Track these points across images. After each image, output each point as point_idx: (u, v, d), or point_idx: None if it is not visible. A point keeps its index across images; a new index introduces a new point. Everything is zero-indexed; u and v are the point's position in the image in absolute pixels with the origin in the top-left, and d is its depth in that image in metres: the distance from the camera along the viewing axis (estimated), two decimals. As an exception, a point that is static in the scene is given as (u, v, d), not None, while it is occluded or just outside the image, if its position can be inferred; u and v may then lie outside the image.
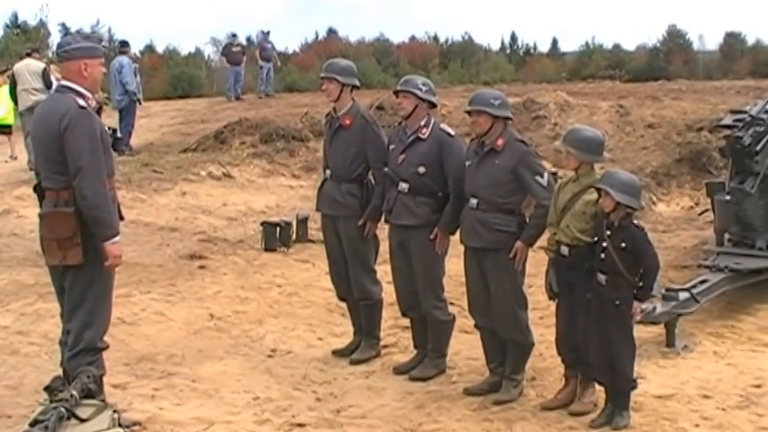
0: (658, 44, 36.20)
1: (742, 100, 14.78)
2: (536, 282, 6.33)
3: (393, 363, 6.29)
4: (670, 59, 33.79)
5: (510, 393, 5.62)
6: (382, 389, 5.87)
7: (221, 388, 5.79)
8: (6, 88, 14.78)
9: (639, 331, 5.84)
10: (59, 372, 4.84)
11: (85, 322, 4.77)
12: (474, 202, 5.56)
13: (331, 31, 39.08)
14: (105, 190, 4.70)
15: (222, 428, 5.17)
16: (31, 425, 4.04)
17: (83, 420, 4.11)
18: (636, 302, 5.18)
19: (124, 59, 15.57)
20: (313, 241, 9.53)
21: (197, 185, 12.31)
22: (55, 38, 28.95)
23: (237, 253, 9.29)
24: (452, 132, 6.00)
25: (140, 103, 16.24)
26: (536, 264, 5.98)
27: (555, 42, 40.03)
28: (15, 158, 14.65)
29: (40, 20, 29.70)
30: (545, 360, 6.17)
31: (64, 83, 4.82)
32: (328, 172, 6.35)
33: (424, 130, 5.89)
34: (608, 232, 5.14)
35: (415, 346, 6.28)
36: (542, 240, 5.58)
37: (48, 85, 12.98)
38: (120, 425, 4.32)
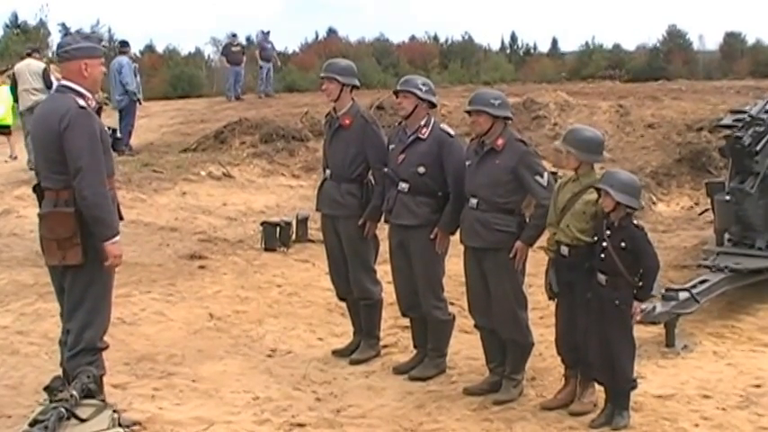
0: (658, 44, 36.22)
1: (742, 100, 14.77)
2: (536, 282, 6.33)
3: (393, 363, 6.29)
4: (670, 59, 33.80)
5: (510, 393, 5.62)
6: (382, 389, 5.87)
7: (221, 388, 5.79)
8: (6, 88, 14.80)
9: (639, 331, 5.83)
10: (59, 372, 4.84)
11: (85, 322, 4.77)
12: (474, 201, 5.56)
13: (331, 31, 39.13)
14: (105, 190, 4.70)
15: (222, 428, 5.17)
16: (31, 425, 4.03)
17: (82, 420, 4.11)
18: (636, 302, 5.18)
19: (124, 59, 15.57)
20: (313, 241, 9.53)
21: (197, 185, 12.31)
22: (55, 38, 29.00)
23: (237, 253, 9.28)
24: (452, 132, 6.00)
25: (140, 103, 16.24)
26: (536, 264, 5.98)
27: (555, 42, 40.10)
28: (15, 158, 14.66)
29: (40, 20, 29.75)
30: (545, 360, 6.17)
31: (64, 83, 4.82)
32: (328, 172, 6.35)
33: (424, 130, 5.89)
34: (608, 232, 5.14)
35: (415, 346, 6.28)
36: (542, 240, 5.58)
37: (48, 85, 13.00)
38: (119, 425, 4.32)
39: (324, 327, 7.21)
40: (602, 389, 5.36)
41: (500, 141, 5.50)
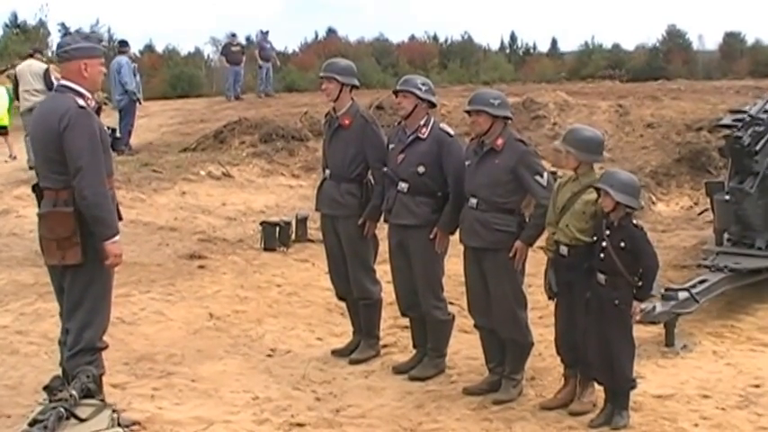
0: (658, 44, 36.30)
1: (741, 100, 14.78)
2: (535, 281, 6.32)
3: (392, 362, 6.29)
4: (669, 59, 33.84)
5: (509, 393, 5.62)
6: (382, 388, 5.87)
7: (221, 387, 5.79)
8: (2, 89, 14.81)
9: (639, 331, 5.83)
10: (59, 371, 4.84)
11: (85, 322, 4.77)
12: (473, 201, 5.56)
13: (330, 31, 39.22)
14: (105, 189, 4.70)
15: (221, 428, 5.17)
16: (31, 424, 4.03)
17: (82, 420, 4.10)
18: (635, 302, 5.18)
19: (123, 59, 15.57)
20: (312, 241, 9.53)
21: (196, 185, 12.31)
22: (54, 38, 29.01)
23: (237, 252, 9.28)
24: (452, 132, 6.00)
25: (140, 103, 16.24)
26: (535, 263, 5.98)
27: (554, 42, 40.20)
28: (15, 158, 14.65)
29: (40, 20, 29.75)
30: (544, 360, 6.17)
31: (63, 83, 4.82)
32: (328, 171, 6.35)
33: (424, 130, 5.89)
34: (607, 232, 5.14)
35: (415, 346, 6.28)
36: (541, 240, 5.58)
37: (49, 86, 12.99)
38: (119, 424, 4.31)
39: (323, 326, 7.21)
40: (601, 388, 5.36)
41: (500, 141, 5.50)
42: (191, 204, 11.53)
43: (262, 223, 9.78)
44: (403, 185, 5.89)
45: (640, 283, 5.15)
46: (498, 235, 5.48)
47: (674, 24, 38.70)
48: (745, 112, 8.70)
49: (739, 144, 8.07)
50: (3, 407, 5.34)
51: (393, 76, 27.13)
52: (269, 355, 6.51)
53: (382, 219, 6.17)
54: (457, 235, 5.80)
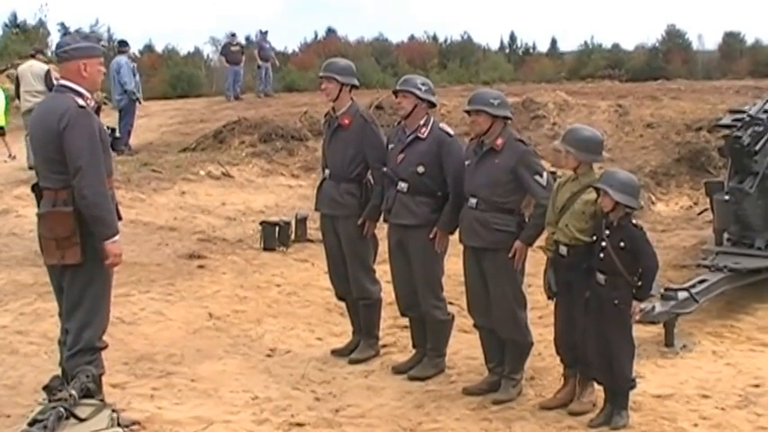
0: (657, 44, 36.31)
1: (741, 99, 14.78)
2: (535, 281, 6.32)
3: (392, 362, 6.29)
4: (669, 59, 33.85)
5: (509, 393, 5.62)
6: (381, 388, 5.87)
7: (220, 387, 5.79)
8: None
9: (638, 331, 5.83)
10: (58, 371, 4.84)
11: (84, 322, 4.77)
12: (473, 201, 5.56)
13: (330, 31, 39.22)
14: (105, 189, 4.70)
15: (221, 428, 5.17)
16: (30, 424, 4.03)
17: (81, 420, 4.10)
18: (635, 302, 5.18)
19: (122, 59, 15.57)
20: (312, 241, 9.53)
21: (196, 185, 12.31)
22: (54, 37, 29.01)
23: (236, 252, 9.29)
24: (451, 132, 6.00)
25: (140, 103, 16.25)
26: (535, 263, 5.98)
27: (554, 42, 40.20)
28: (14, 158, 14.66)
29: (40, 19, 29.76)
30: (544, 359, 6.17)
31: (63, 82, 4.82)
32: (327, 171, 6.35)
33: (424, 130, 5.89)
34: (607, 232, 5.14)
35: (414, 346, 6.28)
36: (541, 240, 5.58)
37: (50, 87, 12.99)
38: (118, 424, 4.31)
39: (323, 326, 7.21)
40: (601, 388, 5.36)
41: (499, 141, 5.50)
42: (190, 204, 11.53)
43: (261, 223, 9.79)
44: (402, 185, 5.89)
45: (640, 283, 5.15)
46: (498, 235, 5.48)
47: (674, 24, 38.78)
48: (744, 111, 8.70)
49: (739, 144, 8.07)
50: (2, 407, 5.34)
51: (393, 75, 27.14)
52: (268, 355, 6.51)
53: (382, 218, 6.17)
54: (456, 235, 5.80)
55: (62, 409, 4.06)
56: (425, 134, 5.88)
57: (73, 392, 4.22)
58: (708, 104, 15.91)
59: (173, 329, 6.94)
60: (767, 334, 6.95)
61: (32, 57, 14.42)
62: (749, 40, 36.41)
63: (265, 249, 9.41)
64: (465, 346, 6.43)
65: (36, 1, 47.87)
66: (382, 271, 6.47)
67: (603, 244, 5.13)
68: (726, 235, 8.20)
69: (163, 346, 6.56)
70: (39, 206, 4.85)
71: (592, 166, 5.39)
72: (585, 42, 37.01)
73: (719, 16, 66.66)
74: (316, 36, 39.17)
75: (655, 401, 5.55)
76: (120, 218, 4.95)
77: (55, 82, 5.29)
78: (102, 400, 4.47)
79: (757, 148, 8.02)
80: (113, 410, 4.37)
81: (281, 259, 9.21)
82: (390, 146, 6.06)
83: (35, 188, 4.91)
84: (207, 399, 5.61)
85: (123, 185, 11.08)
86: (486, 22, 63.02)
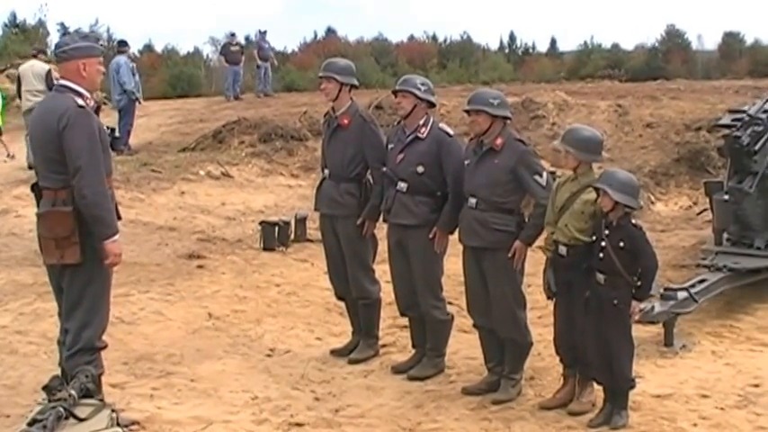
0: (657, 44, 36.32)
1: (740, 99, 14.77)
2: (535, 281, 6.32)
3: (391, 362, 6.29)
4: (669, 59, 33.85)
5: (508, 393, 5.62)
6: (381, 388, 5.87)
7: (220, 387, 5.79)
8: None
9: (638, 331, 5.84)
10: (58, 371, 4.83)
11: (84, 322, 4.77)
12: (473, 201, 5.56)
13: (330, 31, 39.21)
14: (105, 189, 4.70)
15: (221, 428, 5.17)
16: (30, 424, 4.02)
17: (81, 420, 4.10)
18: (634, 302, 5.18)
19: (122, 59, 15.57)
20: (311, 241, 9.53)
21: (196, 185, 12.31)
22: (53, 37, 28.97)
23: (236, 252, 9.29)
24: (451, 132, 6.00)
25: (140, 103, 16.24)
26: (535, 263, 5.98)
27: (553, 42, 40.20)
28: (13, 157, 14.66)
29: (39, 19, 29.73)
30: (543, 359, 6.17)
31: (62, 82, 4.82)
32: (327, 171, 6.35)
33: (423, 130, 5.89)
34: (606, 232, 5.14)
35: (414, 346, 6.28)
36: (540, 240, 5.58)
37: (50, 87, 13.01)
38: (118, 424, 4.31)
39: (322, 326, 7.21)
40: (600, 388, 5.36)
41: (499, 141, 5.50)
42: (190, 204, 11.53)
43: (261, 223, 9.79)
44: (402, 185, 5.89)
45: (639, 283, 5.15)
46: (497, 235, 5.48)
47: (674, 24, 38.78)
48: (744, 111, 8.70)
49: (738, 144, 8.07)
50: (2, 406, 5.34)
51: (392, 75, 27.15)
52: (268, 355, 6.52)
53: (381, 218, 6.17)
54: (456, 234, 5.80)
55: (62, 409, 4.05)
56: (425, 134, 5.88)
57: (72, 392, 4.22)
58: (707, 104, 15.91)
59: (172, 329, 6.94)
60: (767, 334, 6.95)
61: (34, 57, 14.45)
62: (749, 40, 36.50)
63: (265, 249, 9.41)
64: (464, 346, 6.43)
65: (36, 1, 47.92)
66: (382, 271, 6.47)
67: (603, 244, 5.13)
68: (725, 235, 8.21)
69: (162, 345, 6.56)
70: (38, 206, 4.85)
71: (591, 165, 5.39)
72: (585, 42, 37.09)
73: (719, 16, 66.78)
74: (315, 36, 39.21)
75: (654, 401, 5.55)
76: (119, 218, 4.95)
77: (55, 82, 5.29)
78: (101, 400, 4.46)
79: (757, 147, 8.02)
80: (113, 410, 4.37)
81: (281, 259, 9.21)
82: (390, 146, 6.06)
83: (34, 188, 4.91)
84: (206, 399, 5.61)
85: (123, 185, 11.08)
86: (485, 22, 63.07)
